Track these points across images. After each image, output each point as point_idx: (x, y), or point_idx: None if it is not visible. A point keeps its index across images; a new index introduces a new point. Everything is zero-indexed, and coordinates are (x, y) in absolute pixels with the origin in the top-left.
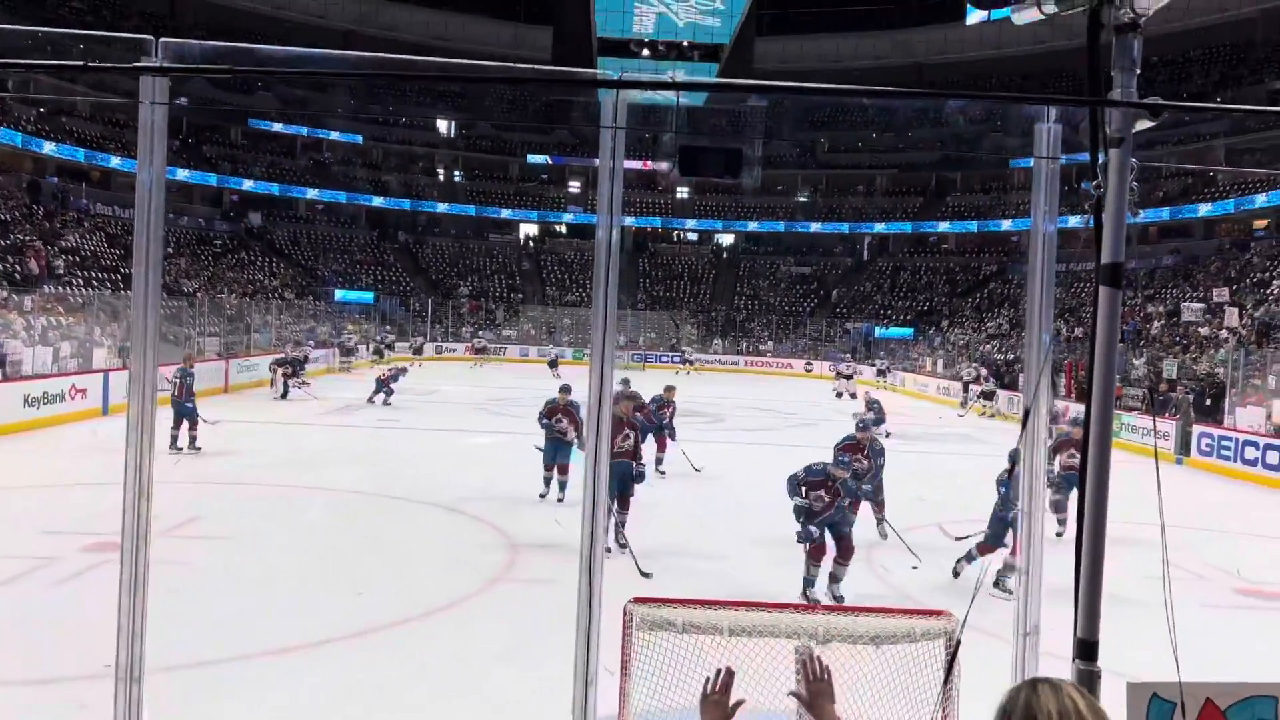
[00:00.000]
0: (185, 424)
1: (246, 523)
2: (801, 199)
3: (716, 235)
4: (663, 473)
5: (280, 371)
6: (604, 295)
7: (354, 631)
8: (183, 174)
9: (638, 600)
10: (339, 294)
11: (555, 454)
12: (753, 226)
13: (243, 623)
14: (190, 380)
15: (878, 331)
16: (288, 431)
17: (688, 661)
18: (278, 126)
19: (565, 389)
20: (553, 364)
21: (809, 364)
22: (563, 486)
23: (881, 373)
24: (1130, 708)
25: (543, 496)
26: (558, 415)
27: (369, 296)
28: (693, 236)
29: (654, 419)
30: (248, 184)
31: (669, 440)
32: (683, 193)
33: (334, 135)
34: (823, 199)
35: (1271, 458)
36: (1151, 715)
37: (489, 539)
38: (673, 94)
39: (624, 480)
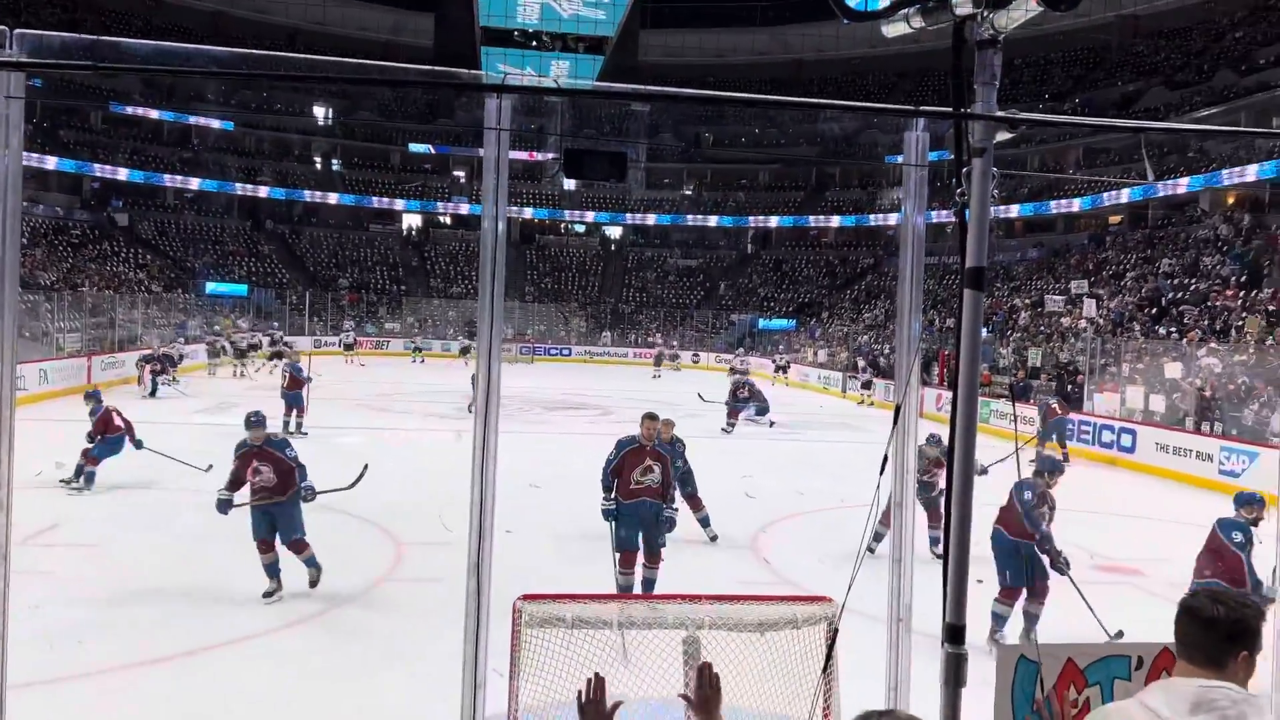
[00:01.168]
0: (294, 410)
1: (112, 529)
2: (687, 193)
3: (604, 228)
4: (714, 537)
5: (148, 368)
6: (490, 291)
7: (231, 638)
8: (37, 160)
9: (527, 597)
10: (210, 287)
11: (271, 526)
12: (639, 219)
13: (111, 634)
14: (300, 372)
15: (761, 323)
16: (156, 431)
17: (577, 657)
18: (142, 111)
19: (254, 420)
20: (464, 351)
21: (695, 355)
22: (311, 565)
23: (781, 368)
24: (999, 668)
25: (269, 595)
26: (254, 466)
27: (242, 289)
28: (580, 228)
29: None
30: (109, 170)
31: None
32: (569, 184)
33: (203, 121)
34: (707, 193)
35: (1126, 440)
36: (1019, 674)
37: (372, 538)
38: (558, 86)
39: (647, 527)
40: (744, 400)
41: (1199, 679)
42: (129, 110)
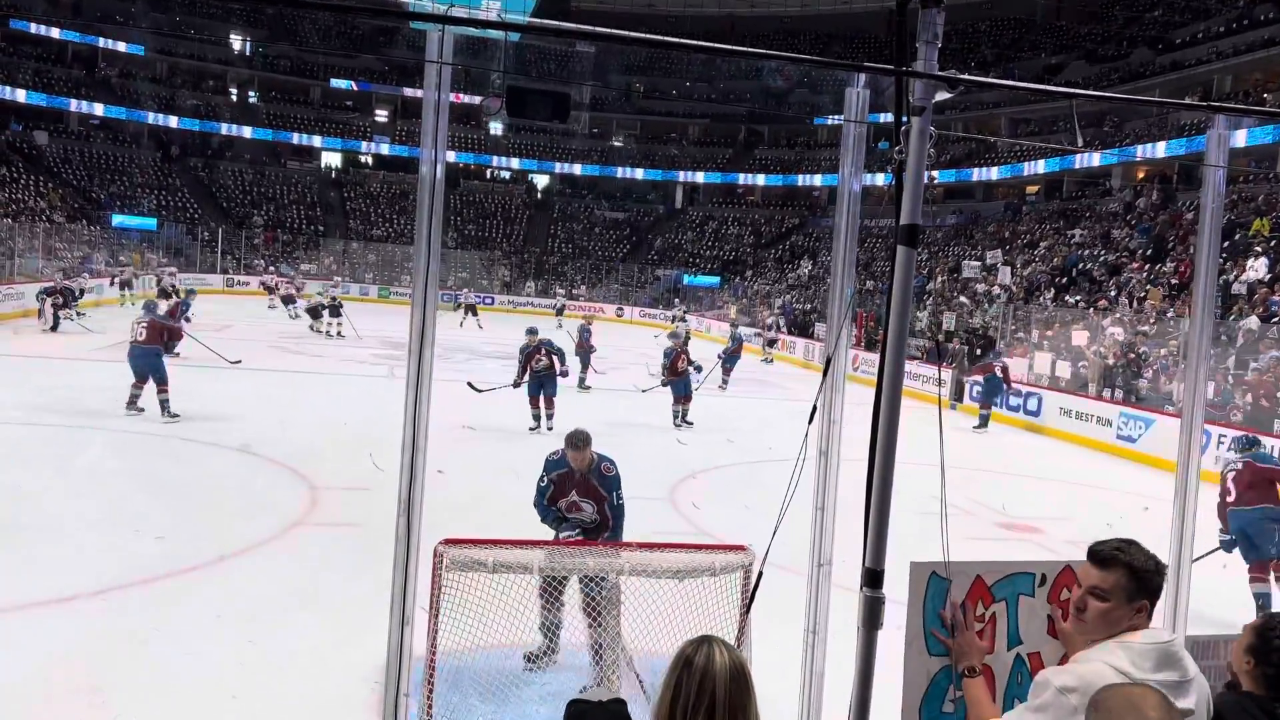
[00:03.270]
0: (586, 368)
1: (12, 467)
2: (616, 143)
3: (531, 176)
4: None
5: (49, 301)
6: (427, 234)
7: (141, 578)
8: None
9: (448, 541)
10: (117, 219)
11: None
12: (566, 168)
13: (14, 573)
14: (588, 335)
15: (686, 279)
16: (60, 366)
17: (496, 599)
18: (45, 30)
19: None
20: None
21: (620, 309)
22: None
23: (770, 343)
24: (912, 584)
25: None
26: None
27: (151, 223)
28: (506, 175)
29: None
30: (7, 92)
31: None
32: (496, 129)
33: (111, 44)
34: (637, 145)
35: (1032, 404)
36: (930, 590)
37: (286, 482)
38: (499, 30)
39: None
40: (545, 374)
41: (1147, 634)
42: (30, 28)
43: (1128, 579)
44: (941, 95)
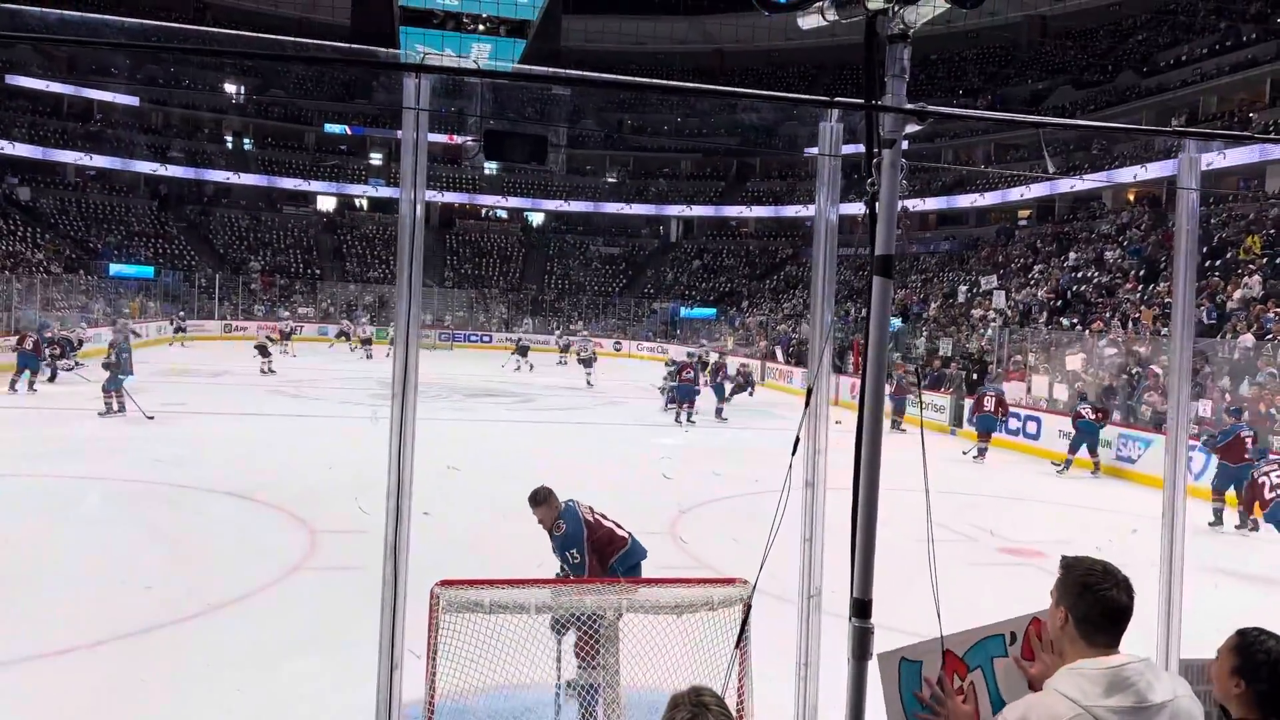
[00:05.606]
0: (684, 405)
1: (10, 517)
2: (610, 180)
3: (526, 214)
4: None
5: (47, 352)
6: (408, 276)
7: (138, 629)
8: None
9: (444, 583)
10: (114, 268)
11: None
12: (561, 205)
13: (10, 626)
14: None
15: (683, 312)
16: (56, 417)
17: (494, 641)
18: (41, 84)
19: None
20: (523, 351)
21: (618, 343)
22: None
23: (704, 363)
24: (884, 677)
25: None
26: None
27: (149, 271)
28: (502, 214)
29: None
30: (3, 145)
31: None
32: (490, 169)
33: (107, 95)
34: (630, 181)
35: (1031, 427)
36: (904, 678)
37: (285, 527)
38: (478, 72)
39: None
40: None
41: (1102, 659)
42: (25, 82)
43: (1060, 578)
44: (912, 127)
